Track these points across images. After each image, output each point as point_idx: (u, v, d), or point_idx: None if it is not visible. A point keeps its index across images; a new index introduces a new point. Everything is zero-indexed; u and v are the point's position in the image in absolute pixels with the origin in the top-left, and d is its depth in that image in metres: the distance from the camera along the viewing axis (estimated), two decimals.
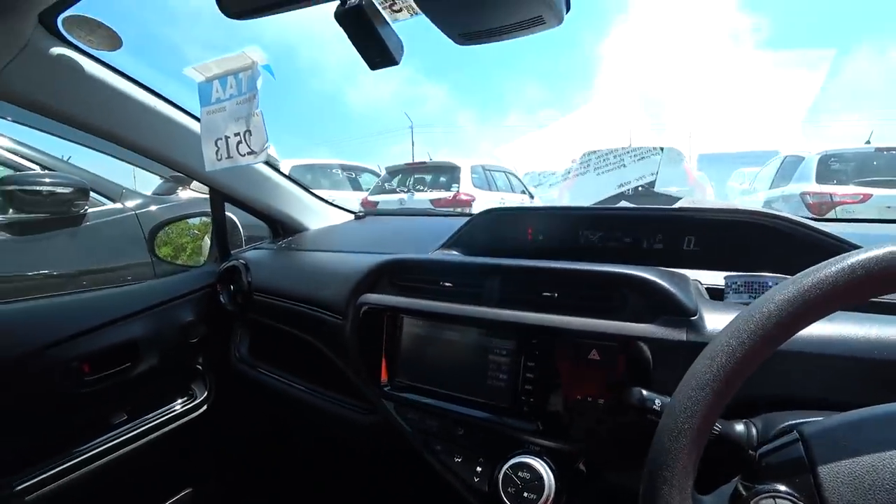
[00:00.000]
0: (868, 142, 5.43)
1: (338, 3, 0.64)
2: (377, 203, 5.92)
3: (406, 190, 5.81)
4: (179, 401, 1.21)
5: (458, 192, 5.66)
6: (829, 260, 0.36)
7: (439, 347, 0.73)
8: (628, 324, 0.59)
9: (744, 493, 0.38)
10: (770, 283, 0.63)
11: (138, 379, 1.10)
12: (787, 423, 0.44)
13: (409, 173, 6.26)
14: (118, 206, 2.79)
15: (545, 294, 0.65)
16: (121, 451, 1.06)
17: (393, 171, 6.47)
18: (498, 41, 0.61)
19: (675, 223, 0.80)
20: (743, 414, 0.48)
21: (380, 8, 0.65)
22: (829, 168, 4.87)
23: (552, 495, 0.59)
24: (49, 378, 0.97)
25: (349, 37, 0.67)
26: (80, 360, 1.02)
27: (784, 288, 0.36)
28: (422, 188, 5.82)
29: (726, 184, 8.81)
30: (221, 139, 0.95)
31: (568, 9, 0.56)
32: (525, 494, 0.59)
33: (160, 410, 1.16)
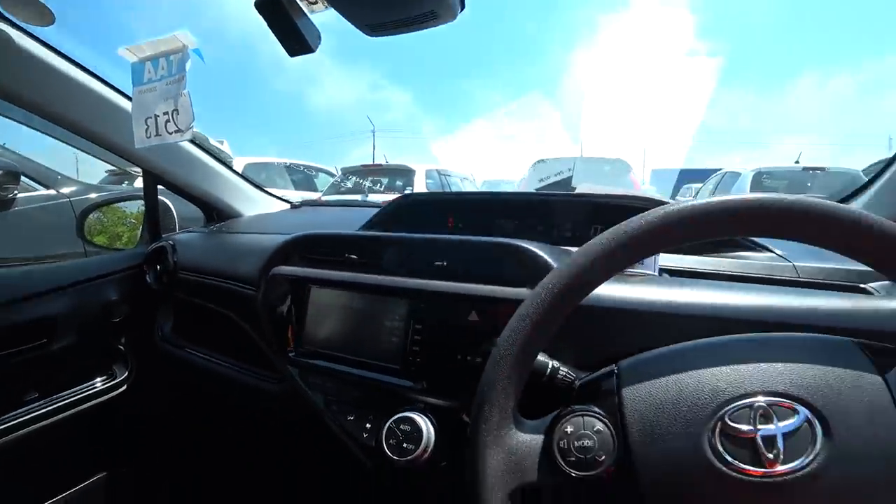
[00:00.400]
0: (797, 161, 5.99)
1: None
2: None
3: (360, 191, 5.83)
4: (98, 380, 1.20)
5: None
6: (614, 227, 0.44)
7: (341, 315, 0.79)
8: (504, 287, 0.66)
9: (556, 416, 0.46)
10: None
11: (54, 356, 1.10)
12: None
13: (365, 175, 6.30)
14: (51, 192, 2.70)
15: (437, 263, 0.72)
16: (32, 428, 1.05)
17: (348, 173, 6.49)
18: (402, 33, 0.68)
19: (582, 210, 0.89)
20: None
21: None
22: (762, 184, 5.37)
23: (430, 446, 0.65)
24: None
25: (268, 24, 0.73)
26: None
27: (587, 247, 0.44)
28: (376, 190, 5.87)
29: (675, 198, 9.35)
30: (151, 118, 0.98)
31: (462, 7, 0.64)
32: (405, 445, 0.65)
33: (76, 388, 1.15)
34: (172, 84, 0.95)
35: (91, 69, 1.09)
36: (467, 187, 6.97)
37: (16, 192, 2.57)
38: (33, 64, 0.98)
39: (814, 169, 5.50)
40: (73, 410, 1.12)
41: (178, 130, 0.94)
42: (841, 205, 0.40)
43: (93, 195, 2.66)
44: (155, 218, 1.34)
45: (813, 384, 0.40)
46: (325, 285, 0.80)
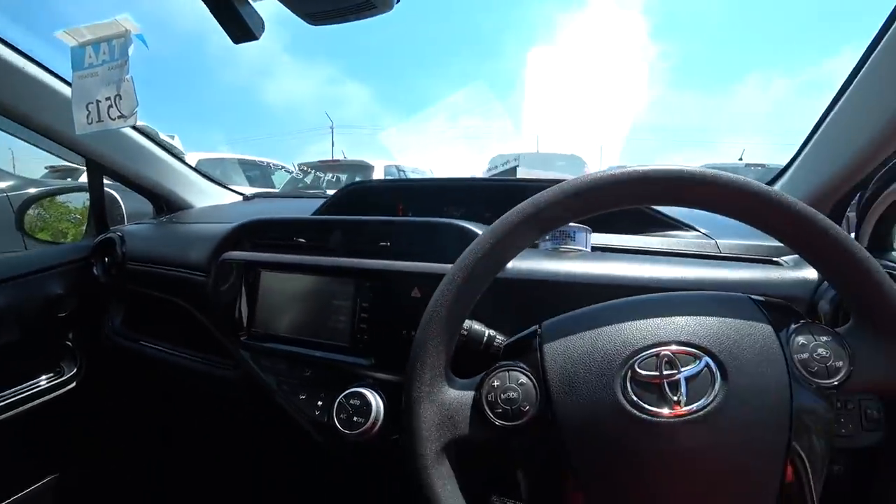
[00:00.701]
0: (740, 159, 6.36)
1: None
2: None
3: (318, 187, 5.79)
4: (45, 377, 1.16)
5: None
6: (530, 198, 0.48)
7: (291, 297, 0.80)
8: (444, 264, 0.70)
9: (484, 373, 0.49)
10: (571, 232, 0.77)
11: None
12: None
13: (323, 171, 6.26)
14: None
15: (381, 244, 0.75)
16: None
17: (306, 169, 6.42)
18: (342, 22, 0.70)
19: (521, 193, 0.93)
20: None
21: None
22: None
23: (380, 419, 0.68)
24: None
25: (210, 11, 0.73)
26: None
27: (506, 216, 0.49)
28: (335, 185, 5.83)
29: None
30: (93, 103, 0.96)
31: None
32: (355, 419, 0.68)
33: (21, 387, 1.11)
34: (115, 69, 0.93)
35: (25, 52, 1.06)
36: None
37: None
38: None
39: (755, 165, 5.87)
40: (17, 409, 1.08)
41: (122, 116, 0.92)
42: (714, 171, 0.46)
43: (32, 190, 2.53)
44: (101, 210, 1.30)
45: (712, 334, 0.45)
46: (274, 269, 0.82)
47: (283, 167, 7.33)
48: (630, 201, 0.48)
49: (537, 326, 0.52)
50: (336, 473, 0.96)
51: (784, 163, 0.97)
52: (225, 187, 1.53)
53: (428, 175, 7.14)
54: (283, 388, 0.78)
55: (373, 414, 0.67)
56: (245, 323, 0.83)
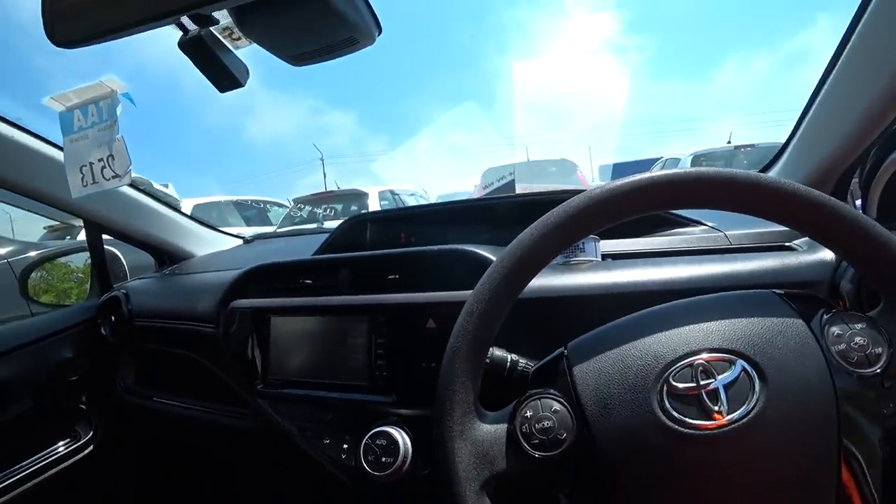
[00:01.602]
0: (729, 141, 6.38)
1: (180, 33, 0.71)
2: None
3: (315, 220, 5.80)
4: (62, 443, 1.15)
5: None
6: (541, 218, 0.47)
7: (304, 340, 0.79)
8: (456, 291, 0.69)
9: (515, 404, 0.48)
10: (580, 243, 0.76)
11: (11, 424, 1.05)
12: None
13: (318, 203, 6.26)
14: None
15: (390, 277, 0.74)
16: None
17: (301, 203, 6.44)
18: (325, 60, 0.70)
19: (522, 209, 0.92)
20: None
21: (220, 37, 0.72)
22: (700, 166, 5.72)
23: (409, 457, 0.67)
24: None
25: (194, 63, 0.73)
26: None
27: (519, 239, 0.47)
28: (331, 217, 5.84)
29: None
30: (86, 166, 0.96)
31: (380, 31, 0.67)
32: (383, 459, 0.66)
33: (39, 456, 1.10)
34: (105, 130, 0.93)
35: (14, 121, 1.06)
36: (421, 203, 7.02)
37: None
38: None
39: (745, 146, 5.90)
40: (37, 479, 1.06)
41: (116, 176, 0.92)
42: (718, 170, 0.45)
43: (32, 253, 2.53)
44: (103, 268, 1.30)
45: (744, 335, 0.44)
46: (284, 313, 0.80)
47: (277, 204, 7.36)
48: (633, 213, 0.47)
49: (563, 349, 0.51)
50: None
51: (772, 139, 0.96)
52: (223, 233, 1.52)
53: (422, 196, 7.17)
54: (305, 434, 0.77)
55: (401, 452, 0.66)
56: (259, 370, 0.82)
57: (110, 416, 1.19)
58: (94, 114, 0.96)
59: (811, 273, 0.63)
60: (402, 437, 0.67)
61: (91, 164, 0.96)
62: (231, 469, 1.18)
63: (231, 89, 0.77)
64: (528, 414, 0.45)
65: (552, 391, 0.47)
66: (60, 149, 1.08)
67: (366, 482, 0.68)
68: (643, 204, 0.47)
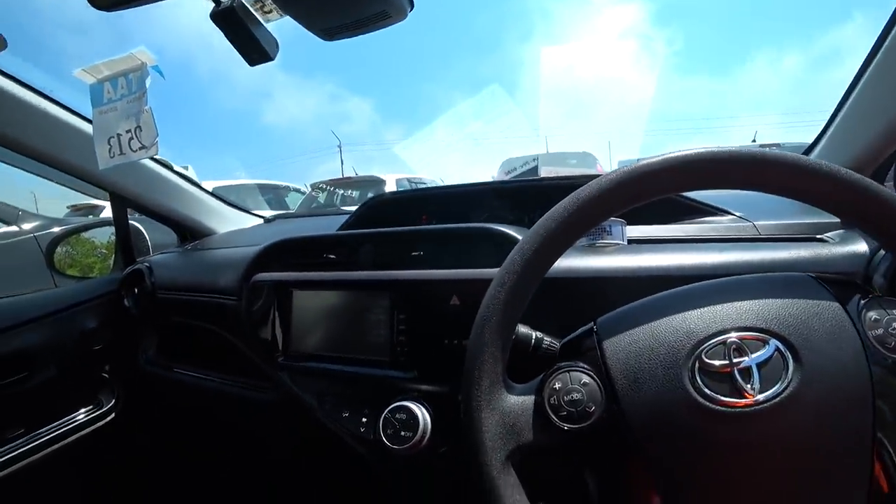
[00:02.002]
0: (754, 140, 6.25)
1: (212, 5, 0.71)
2: None
3: (333, 205, 5.83)
4: (84, 410, 1.18)
5: None
6: (573, 193, 0.46)
7: (325, 315, 0.80)
8: (481, 269, 0.68)
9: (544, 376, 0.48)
10: (607, 226, 0.75)
11: (36, 390, 1.07)
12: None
13: (336, 189, 6.29)
14: (13, 228, 2.62)
15: (413, 254, 0.74)
16: (20, 464, 1.02)
17: (319, 188, 6.46)
18: (357, 35, 0.70)
19: (547, 192, 0.91)
20: None
21: (251, 9, 0.72)
22: None
23: (428, 433, 0.67)
24: None
25: (225, 35, 0.74)
26: None
27: (550, 213, 0.47)
28: (348, 203, 5.87)
29: None
30: (114, 137, 0.97)
31: (412, 6, 0.66)
32: (402, 433, 0.66)
33: (63, 420, 1.13)
34: (133, 102, 0.94)
35: (46, 93, 1.08)
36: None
37: None
38: None
39: (769, 146, 5.77)
40: (61, 443, 1.09)
41: (143, 147, 0.93)
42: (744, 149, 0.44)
43: (56, 229, 2.58)
44: (127, 242, 1.32)
45: (779, 316, 0.43)
46: (306, 287, 0.81)
47: (295, 189, 7.42)
48: (666, 190, 0.46)
49: (592, 324, 0.50)
50: (383, 489, 0.94)
51: (799, 140, 0.94)
52: (245, 211, 1.53)
53: (440, 183, 7.15)
54: (324, 407, 0.77)
55: (420, 427, 0.66)
56: (281, 343, 0.82)
57: (132, 385, 1.21)
58: (124, 86, 0.97)
59: (844, 265, 0.62)
60: (421, 413, 0.67)
61: (119, 135, 0.97)
62: (250, 440, 1.20)
63: (261, 62, 0.77)
64: (557, 386, 0.45)
65: (581, 364, 0.46)
66: (89, 121, 1.10)
67: (384, 455, 0.68)
68: (680, 181, 0.46)
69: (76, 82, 1.02)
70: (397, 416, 0.67)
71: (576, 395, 0.44)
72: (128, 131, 0.95)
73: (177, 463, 1.32)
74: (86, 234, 2.21)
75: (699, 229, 0.81)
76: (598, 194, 0.45)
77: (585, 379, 0.45)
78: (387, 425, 0.67)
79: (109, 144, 0.99)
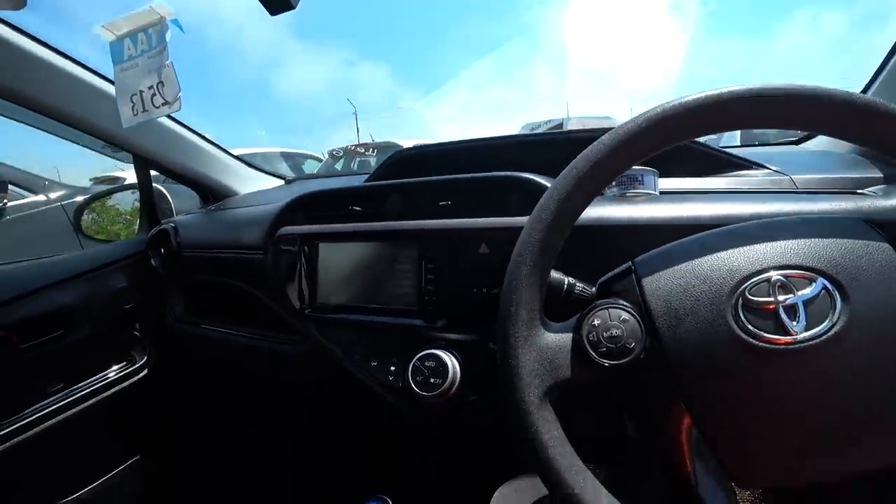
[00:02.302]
0: None
1: None
2: None
3: (351, 172, 5.82)
4: (118, 367, 1.21)
5: None
6: (611, 131, 0.45)
7: (353, 266, 0.79)
8: (511, 218, 0.67)
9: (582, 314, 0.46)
10: (639, 175, 0.73)
11: (73, 347, 1.11)
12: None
13: (353, 156, 6.26)
14: (41, 198, 2.67)
15: (441, 203, 0.73)
16: (60, 418, 1.07)
17: (336, 155, 6.44)
18: None
19: (576, 144, 0.89)
20: None
21: None
22: (751, 133, 5.39)
23: (457, 380, 0.67)
24: None
25: None
26: (10, 329, 1.02)
27: (586, 152, 0.45)
28: (366, 169, 5.85)
29: None
30: (136, 94, 0.97)
31: None
32: (431, 380, 0.67)
33: (98, 377, 1.16)
34: (154, 57, 0.93)
35: (70, 54, 1.07)
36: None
37: (6, 200, 2.54)
38: (6, 49, 0.96)
39: None
40: (97, 398, 1.13)
41: (166, 103, 0.93)
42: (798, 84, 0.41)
43: (80, 198, 2.62)
44: (151, 204, 1.33)
45: (826, 254, 0.41)
46: (333, 239, 0.81)
47: (312, 156, 7.40)
48: (710, 126, 0.44)
49: (630, 263, 0.49)
50: (412, 438, 0.96)
51: None
52: (266, 173, 1.53)
53: None
54: (352, 357, 0.78)
55: (449, 374, 0.66)
56: (307, 296, 0.83)
57: (162, 343, 1.25)
58: (144, 41, 0.95)
59: (888, 216, 0.59)
60: (450, 360, 0.67)
61: (141, 92, 0.96)
62: (278, 392, 1.23)
63: (282, 11, 0.76)
64: (596, 322, 0.44)
65: (621, 302, 0.45)
66: (111, 81, 1.09)
67: (413, 403, 0.69)
68: (724, 119, 0.43)
69: (95, 40, 1.01)
70: (426, 363, 0.67)
71: (615, 332, 0.43)
72: (150, 87, 0.94)
73: (207, 416, 1.36)
74: (111, 202, 2.24)
75: (734, 182, 0.78)
76: (637, 130, 0.43)
77: (625, 316, 0.44)
78: (416, 373, 0.68)
79: (132, 102, 0.98)
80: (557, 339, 0.45)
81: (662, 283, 0.45)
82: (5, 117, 1.22)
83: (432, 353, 0.68)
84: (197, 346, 1.17)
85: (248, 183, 1.45)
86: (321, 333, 0.82)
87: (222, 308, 1.12)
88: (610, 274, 0.51)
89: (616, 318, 0.44)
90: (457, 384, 0.67)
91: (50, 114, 1.08)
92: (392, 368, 0.74)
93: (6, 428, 0.99)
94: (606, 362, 0.43)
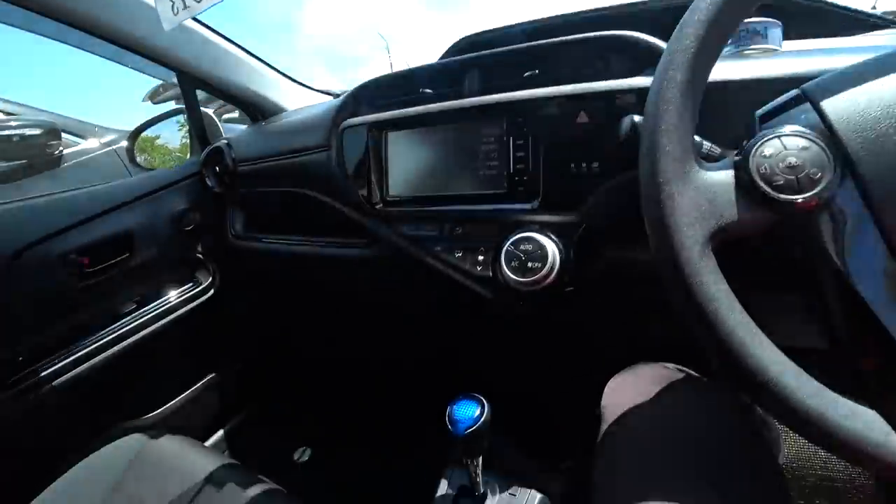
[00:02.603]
0: (874, 7, 5.30)
1: None
2: None
3: None
4: (183, 288, 1.22)
5: None
6: None
7: (427, 153, 0.72)
8: (618, 80, 0.57)
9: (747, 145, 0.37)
10: (761, 28, 0.61)
11: (139, 269, 1.11)
12: None
13: None
14: (93, 143, 2.70)
15: (527, 74, 0.63)
16: (134, 338, 1.08)
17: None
18: None
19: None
20: None
21: None
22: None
23: (557, 263, 0.60)
24: (50, 272, 0.97)
25: None
26: (78, 253, 1.01)
27: None
28: None
29: None
30: None
31: None
32: (529, 265, 0.60)
33: (165, 298, 1.17)
34: None
35: None
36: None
37: (61, 147, 2.58)
38: None
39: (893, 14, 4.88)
40: (168, 318, 1.14)
41: None
42: None
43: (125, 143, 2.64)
44: (200, 124, 1.29)
45: None
46: (404, 126, 0.73)
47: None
48: None
49: (797, 91, 0.39)
50: (506, 331, 0.89)
51: None
52: (314, 90, 1.45)
53: None
54: (433, 251, 0.71)
55: (549, 257, 0.59)
56: (378, 191, 0.76)
57: (226, 262, 1.24)
58: None
59: None
60: (549, 242, 0.59)
61: None
62: (350, 298, 1.20)
63: None
64: (768, 152, 0.35)
65: (798, 128, 0.36)
66: None
67: (507, 292, 0.62)
68: None
69: None
70: (521, 247, 0.60)
71: (794, 161, 0.34)
72: None
73: (279, 331, 1.37)
74: (159, 142, 2.24)
75: (871, 39, 0.66)
76: None
77: (803, 143, 0.35)
78: (510, 258, 0.61)
79: (171, 0, 0.91)
80: (718, 177, 0.36)
81: (846, 106, 0.35)
82: (44, 36, 1.18)
83: (528, 237, 0.60)
84: (261, 261, 1.15)
85: (296, 98, 1.37)
86: (395, 230, 0.76)
87: (283, 220, 1.08)
88: (773, 103, 0.41)
89: (793, 147, 0.35)
90: (556, 269, 0.59)
91: (86, 27, 1.02)
92: (480, 258, 0.67)
93: (87, 348, 1.01)
94: (784, 197, 0.34)
